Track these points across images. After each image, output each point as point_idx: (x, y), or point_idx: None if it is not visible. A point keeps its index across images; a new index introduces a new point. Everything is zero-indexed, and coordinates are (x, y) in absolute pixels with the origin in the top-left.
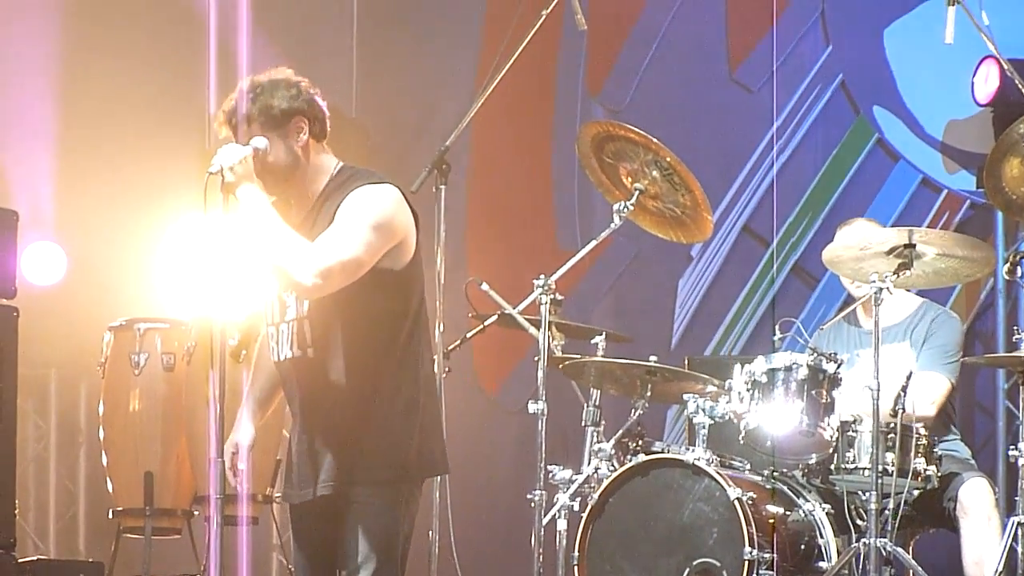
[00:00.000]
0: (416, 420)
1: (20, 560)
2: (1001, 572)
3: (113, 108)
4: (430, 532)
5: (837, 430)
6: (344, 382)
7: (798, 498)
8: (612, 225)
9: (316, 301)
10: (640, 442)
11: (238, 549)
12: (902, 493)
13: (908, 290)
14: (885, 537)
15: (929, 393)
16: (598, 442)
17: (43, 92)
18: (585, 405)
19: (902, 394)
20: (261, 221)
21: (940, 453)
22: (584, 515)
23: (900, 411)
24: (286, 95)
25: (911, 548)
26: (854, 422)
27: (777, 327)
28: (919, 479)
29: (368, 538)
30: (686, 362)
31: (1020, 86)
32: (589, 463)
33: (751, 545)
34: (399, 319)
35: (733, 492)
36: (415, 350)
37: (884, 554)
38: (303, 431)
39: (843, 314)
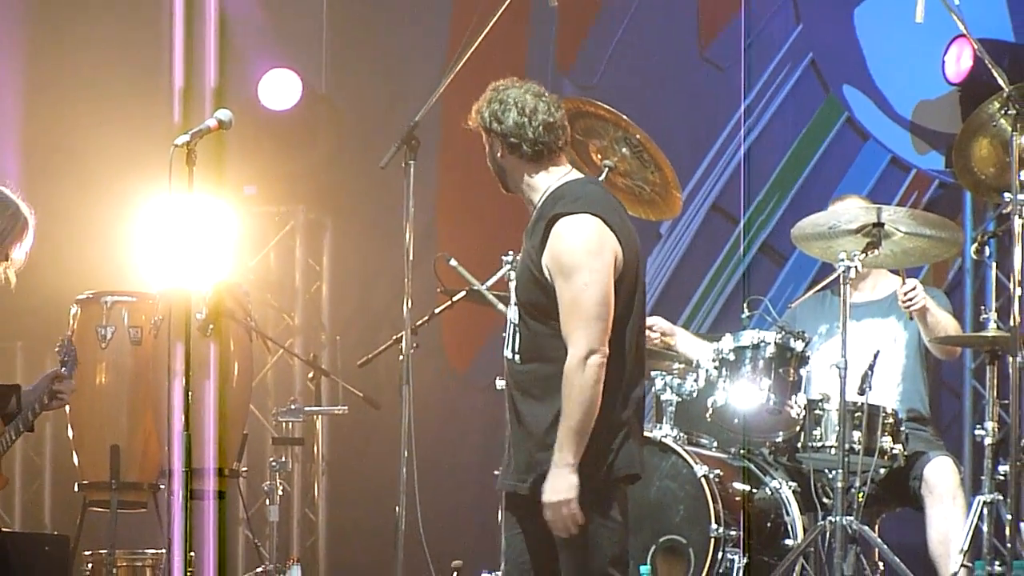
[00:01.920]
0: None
1: None
2: (966, 551)
3: (79, 81)
4: (396, 508)
5: (804, 408)
6: (536, 392)
7: (765, 476)
8: None
9: (524, 314)
10: None
11: (204, 523)
12: (868, 472)
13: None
14: (851, 515)
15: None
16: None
17: (8, 64)
18: None
19: (869, 373)
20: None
21: (906, 432)
22: None
23: (867, 390)
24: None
25: (877, 526)
26: (821, 400)
27: (745, 305)
28: (885, 458)
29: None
30: None
31: (991, 66)
32: None
33: (717, 522)
34: None
35: (700, 469)
36: (614, 365)
37: (850, 532)
38: (510, 424)
39: (819, 288)
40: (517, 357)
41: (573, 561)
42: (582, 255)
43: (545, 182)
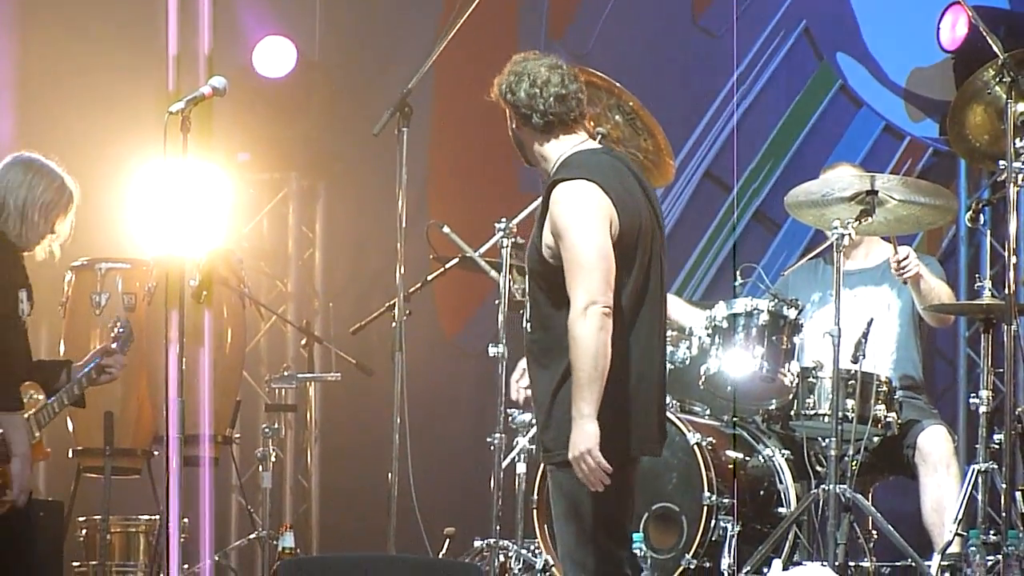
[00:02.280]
0: (616, 398)
1: None
2: (960, 520)
3: (74, 47)
4: (389, 475)
5: (797, 376)
6: (542, 361)
7: (758, 444)
8: None
9: (532, 282)
10: None
11: (199, 489)
12: (862, 440)
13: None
14: (844, 483)
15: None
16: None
17: (1, 32)
18: None
19: (863, 341)
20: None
21: (900, 400)
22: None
23: (861, 358)
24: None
25: (871, 495)
26: (815, 368)
27: (738, 273)
28: (879, 426)
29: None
30: None
31: (986, 34)
32: None
33: (710, 490)
34: None
35: (693, 437)
36: (615, 331)
37: (843, 500)
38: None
39: (813, 255)
40: (528, 326)
41: (566, 528)
42: (575, 215)
43: (556, 151)
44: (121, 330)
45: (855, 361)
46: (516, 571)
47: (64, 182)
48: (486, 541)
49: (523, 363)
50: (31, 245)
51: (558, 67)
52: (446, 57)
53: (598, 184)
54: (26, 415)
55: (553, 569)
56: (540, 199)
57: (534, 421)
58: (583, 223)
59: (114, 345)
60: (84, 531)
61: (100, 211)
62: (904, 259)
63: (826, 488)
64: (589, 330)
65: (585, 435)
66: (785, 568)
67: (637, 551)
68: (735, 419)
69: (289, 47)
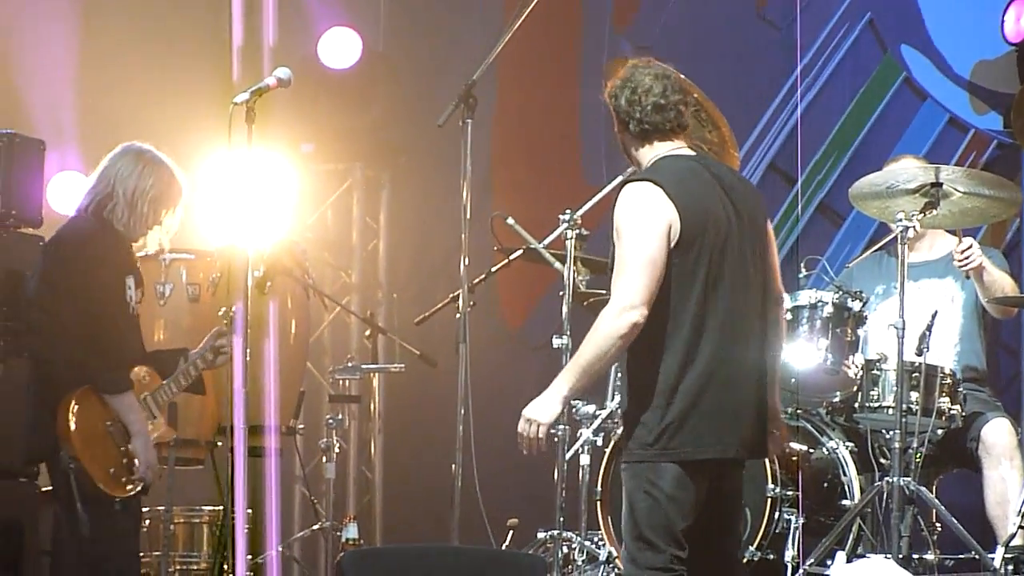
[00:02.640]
0: (674, 401)
1: (43, 489)
2: None
3: (138, 40)
4: (453, 467)
5: (861, 368)
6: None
7: (822, 436)
8: None
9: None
10: None
11: (263, 480)
12: (926, 432)
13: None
14: (908, 476)
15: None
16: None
17: (66, 23)
18: None
19: (927, 333)
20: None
21: (964, 393)
22: (607, 450)
23: (925, 350)
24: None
25: (934, 487)
26: (879, 360)
27: (802, 265)
28: (943, 418)
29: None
30: None
31: None
32: (612, 398)
33: (774, 482)
34: (658, 304)
35: None
36: (671, 333)
37: (907, 493)
38: None
39: (876, 248)
40: None
41: (624, 521)
42: (631, 217)
43: (648, 156)
44: (233, 313)
45: (919, 353)
46: (579, 563)
47: (174, 175)
48: (549, 532)
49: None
50: (137, 235)
51: (664, 77)
52: (510, 48)
53: (661, 186)
54: (143, 396)
55: (616, 561)
56: (606, 192)
57: (598, 413)
58: (638, 225)
59: (227, 327)
60: (148, 522)
61: None
62: (966, 250)
63: (890, 480)
64: (613, 330)
65: (548, 410)
66: (849, 561)
67: None
68: (799, 411)
69: (355, 38)
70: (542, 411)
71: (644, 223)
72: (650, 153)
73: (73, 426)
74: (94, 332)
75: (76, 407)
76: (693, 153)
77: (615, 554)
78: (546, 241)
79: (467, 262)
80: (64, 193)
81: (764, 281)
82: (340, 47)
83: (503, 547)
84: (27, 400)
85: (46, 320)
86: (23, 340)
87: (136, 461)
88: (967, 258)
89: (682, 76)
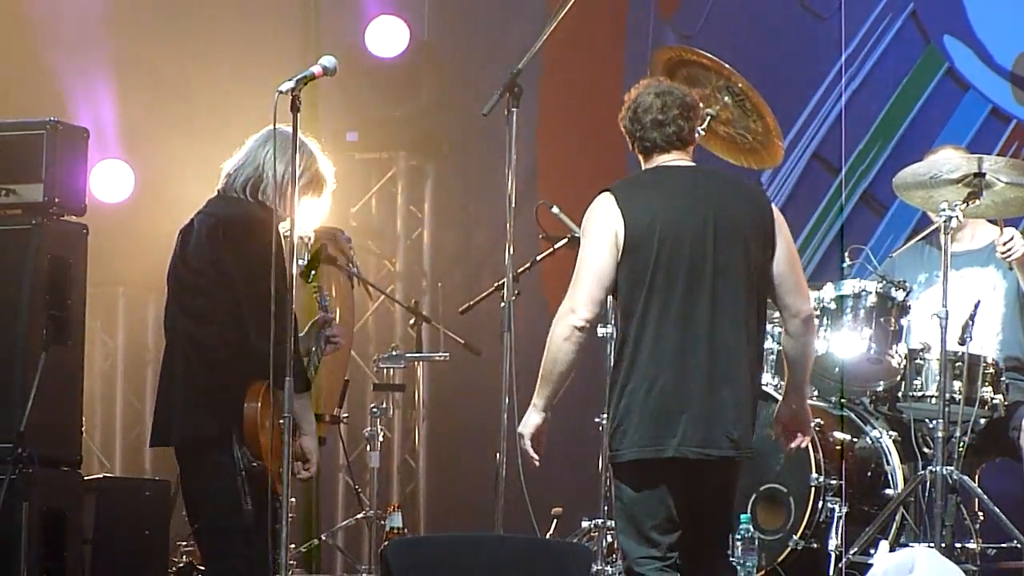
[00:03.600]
0: (620, 403)
1: (86, 478)
2: None
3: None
4: (497, 455)
5: (905, 358)
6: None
7: (865, 425)
8: None
9: None
10: None
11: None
12: (969, 421)
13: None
14: (951, 465)
15: None
16: None
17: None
18: None
19: (970, 323)
20: None
21: (1007, 382)
22: None
23: (968, 340)
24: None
25: (977, 477)
26: (922, 350)
27: (846, 254)
28: (986, 408)
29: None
30: None
31: None
32: None
33: (818, 471)
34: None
35: None
36: (627, 337)
37: (950, 482)
38: None
39: (919, 238)
40: None
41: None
42: (585, 226)
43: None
44: (325, 302)
45: (962, 343)
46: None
47: (320, 164)
48: (594, 521)
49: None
50: (283, 219)
51: (667, 93)
52: (555, 38)
53: (614, 195)
54: None
55: None
56: None
57: None
58: (587, 234)
59: (328, 315)
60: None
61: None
62: (1009, 240)
63: (933, 470)
64: (556, 335)
65: (526, 422)
66: (892, 550)
67: (743, 531)
68: (843, 400)
69: (402, 27)
70: (523, 427)
71: (592, 232)
72: (648, 166)
73: (260, 427)
74: (264, 318)
75: (261, 406)
76: (686, 164)
77: None
78: None
79: (512, 251)
80: (107, 181)
81: (750, 290)
82: (387, 36)
83: (548, 536)
84: (177, 390)
85: (209, 306)
86: (69, 329)
87: (309, 460)
88: (1010, 248)
89: (727, 66)
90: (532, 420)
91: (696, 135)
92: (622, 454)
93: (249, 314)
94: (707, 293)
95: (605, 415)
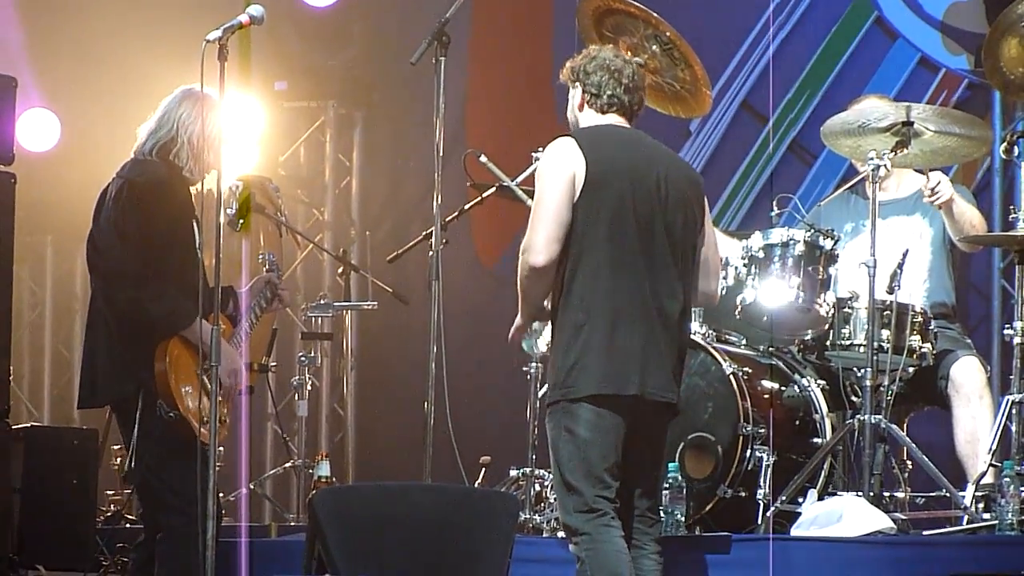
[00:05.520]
0: (578, 340)
1: (14, 427)
2: (995, 450)
3: None
4: (425, 403)
5: (833, 306)
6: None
7: (793, 374)
8: None
9: None
10: None
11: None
12: (897, 370)
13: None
14: (880, 414)
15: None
16: None
17: None
18: None
19: (898, 272)
20: None
21: (935, 330)
22: None
23: (896, 288)
24: None
25: (905, 425)
26: (850, 298)
27: (774, 203)
28: (914, 356)
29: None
30: None
31: None
32: None
33: (746, 420)
34: (564, 250)
35: (728, 367)
36: (578, 277)
37: (878, 431)
38: None
39: (847, 186)
40: None
41: (552, 469)
42: (542, 169)
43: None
44: (272, 258)
45: (890, 292)
46: (551, 500)
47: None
48: (521, 470)
49: None
50: (197, 180)
51: (632, 64)
52: None
53: (575, 139)
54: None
55: None
56: None
57: None
58: (545, 176)
59: (273, 274)
60: (118, 460)
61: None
62: (936, 184)
63: (861, 418)
64: (520, 272)
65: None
66: (820, 498)
67: (671, 480)
68: (771, 349)
69: None
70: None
71: (550, 174)
72: (593, 120)
73: (175, 380)
74: (163, 274)
75: (169, 361)
76: (634, 129)
77: None
78: (519, 179)
79: (440, 200)
80: (34, 130)
81: (686, 252)
82: None
83: (476, 485)
84: (100, 351)
85: (111, 264)
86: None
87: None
88: (937, 192)
89: (655, 15)
90: (515, 323)
91: None
92: (578, 389)
93: (145, 269)
94: (655, 244)
95: (533, 365)
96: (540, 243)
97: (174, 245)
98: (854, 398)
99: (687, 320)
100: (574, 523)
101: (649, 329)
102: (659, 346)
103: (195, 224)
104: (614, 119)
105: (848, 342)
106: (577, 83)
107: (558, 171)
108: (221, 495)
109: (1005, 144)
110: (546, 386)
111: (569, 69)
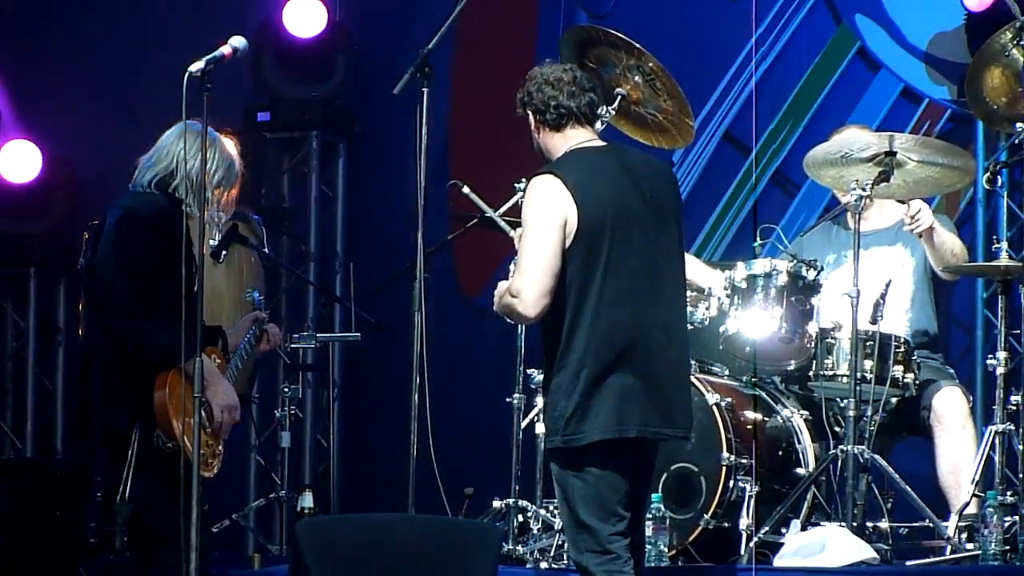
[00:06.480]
0: (577, 387)
1: None
2: (978, 481)
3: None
4: (410, 435)
5: (816, 337)
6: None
7: (776, 404)
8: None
9: None
10: None
11: None
12: (880, 400)
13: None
14: (863, 444)
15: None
16: None
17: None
18: None
19: (881, 302)
20: None
21: (918, 360)
22: None
23: (879, 319)
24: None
25: (888, 455)
26: (833, 329)
27: (757, 233)
28: (897, 387)
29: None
30: None
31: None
32: None
33: (729, 451)
34: (561, 291)
35: (711, 398)
36: (580, 318)
37: (861, 461)
38: None
39: (828, 217)
40: None
41: (560, 510)
42: (528, 212)
43: (561, 147)
44: (259, 298)
45: (873, 322)
46: (535, 531)
47: (234, 160)
48: (505, 501)
49: None
50: (194, 215)
51: (573, 70)
52: (467, 17)
53: (561, 179)
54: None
55: None
56: None
57: None
58: (535, 220)
59: (260, 311)
60: (100, 493)
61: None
62: (917, 212)
63: (844, 449)
64: (508, 315)
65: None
66: (803, 529)
67: (654, 511)
68: (754, 379)
69: (319, 8)
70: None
71: (541, 218)
72: (563, 144)
73: (172, 412)
74: (164, 305)
75: (169, 392)
76: (604, 144)
77: None
78: (502, 209)
79: (423, 230)
80: (15, 162)
81: (678, 260)
82: (305, 17)
83: (459, 516)
84: (96, 383)
85: (111, 294)
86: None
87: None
88: (918, 220)
89: (638, 46)
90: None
91: (604, 112)
92: (584, 436)
93: (152, 304)
94: (656, 276)
95: (517, 396)
96: (533, 297)
97: (173, 277)
98: (837, 428)
99: (687, 336)
100: (586, 563)
101: (649, 360)
102: (660, 379)
103: (193, 259)
104: (577, 135)
105: (831, 372)
106: (526, 109)
107: (548, 217)
108: (216, 528)
109: (988, 174)
110: (542, 425)
111: (517, 99)
